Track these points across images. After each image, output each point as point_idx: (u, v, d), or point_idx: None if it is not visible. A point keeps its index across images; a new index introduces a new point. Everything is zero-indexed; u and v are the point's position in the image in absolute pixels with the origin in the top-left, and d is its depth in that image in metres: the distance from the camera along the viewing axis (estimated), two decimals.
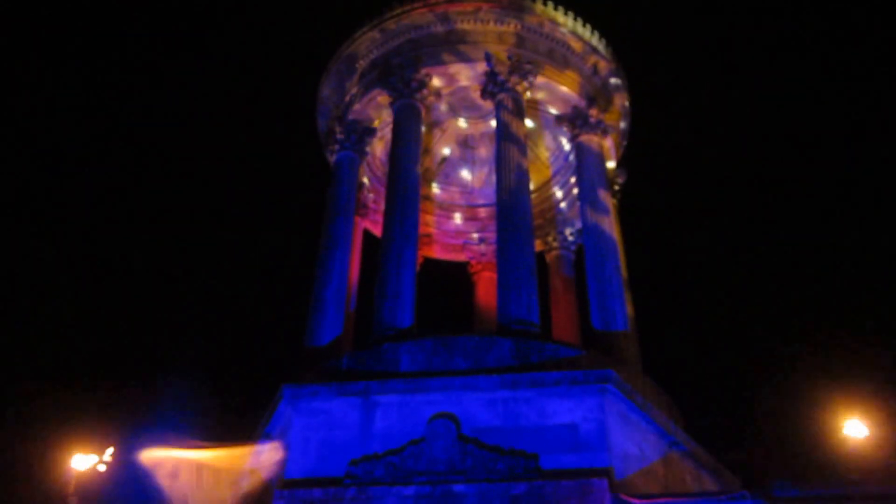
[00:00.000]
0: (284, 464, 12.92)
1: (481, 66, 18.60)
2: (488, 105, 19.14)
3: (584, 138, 18.86)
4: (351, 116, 19.81)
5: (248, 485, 13.48)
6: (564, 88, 19.10)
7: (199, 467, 13.44)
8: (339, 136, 19.65)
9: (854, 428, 16.17)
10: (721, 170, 35.29)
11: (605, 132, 19.27)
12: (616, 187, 20.66)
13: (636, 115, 21.34)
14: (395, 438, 12.74)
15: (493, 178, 17.85)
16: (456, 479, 12.00)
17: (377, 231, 19.83)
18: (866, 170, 33.15)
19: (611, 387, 13.02)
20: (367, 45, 19.92)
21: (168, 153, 35.91)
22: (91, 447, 16.57)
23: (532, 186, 19.11)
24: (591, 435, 12.62)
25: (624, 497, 11.57)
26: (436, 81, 18.94)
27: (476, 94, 19.30)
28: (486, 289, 22.42)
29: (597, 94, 19.64)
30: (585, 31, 19.60)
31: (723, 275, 33.61)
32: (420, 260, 20.03)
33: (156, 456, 13.44)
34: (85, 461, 16.20)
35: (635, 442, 13.43)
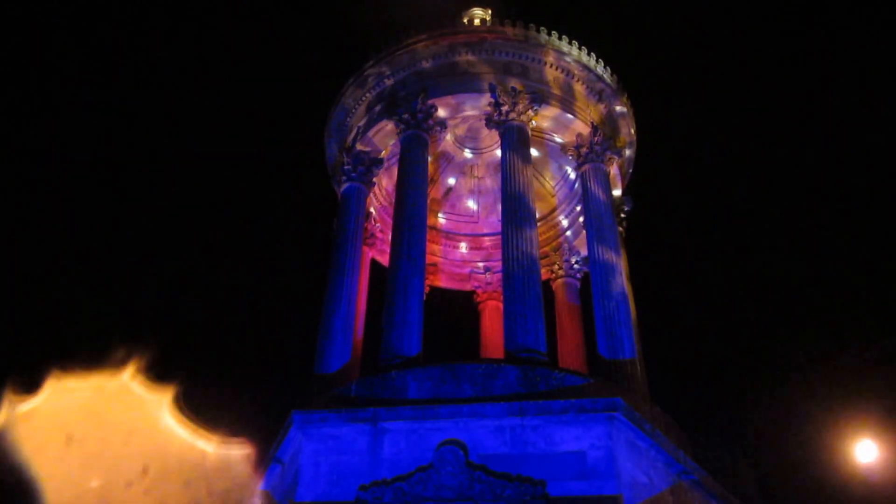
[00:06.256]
0: (295, 488, 12.92)
1: (486, 97, 18.84)
2: (494, 135, 19.34)
3: (590, 167, 18.98)
4: (358, 148, 20.03)
5: None
6: (569, 117, 19.30)
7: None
8: (346, 168, 19.84)
9: (865, 452, 16.00)
10: (729, 194, 35.36)
11: (610, 160, 19.42)
12: (622, 215, 20.75)
13: (642, 142, 21.56)
14: (404, 464, 12.69)
15: (499, 207, 17.95)
16: None
17: (384, 260, 19.94)
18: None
19: (619, 415, 12.95)
20: (374, 77, 20.20)
21: (181, 185, 36.19)
22: None
23: (538, 215, 19.23)
24: (600, 462, 12.53)
25: None
26: (441, 112, 19.18)
27: (481, 125, 19.51)
28: (491, 318, 22.47)
29: (602, 123, 19.84)
30: (590, 61, 19.88)
31: (729, 299, 33.55)
32: (426, 289, 20.10)
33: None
34: None
35: (644, 470, 13.33)
